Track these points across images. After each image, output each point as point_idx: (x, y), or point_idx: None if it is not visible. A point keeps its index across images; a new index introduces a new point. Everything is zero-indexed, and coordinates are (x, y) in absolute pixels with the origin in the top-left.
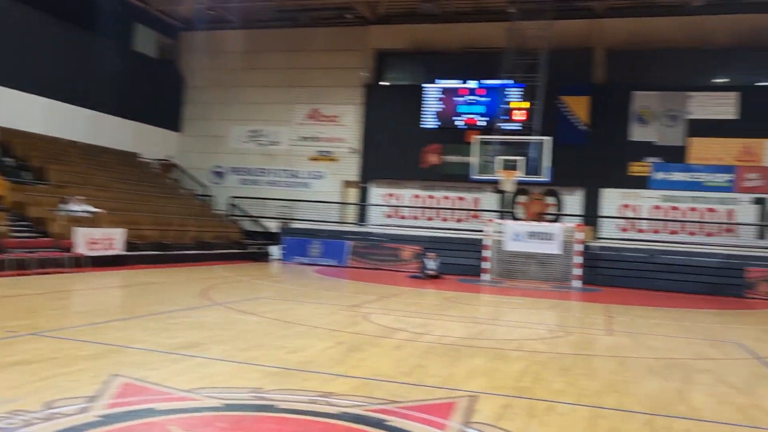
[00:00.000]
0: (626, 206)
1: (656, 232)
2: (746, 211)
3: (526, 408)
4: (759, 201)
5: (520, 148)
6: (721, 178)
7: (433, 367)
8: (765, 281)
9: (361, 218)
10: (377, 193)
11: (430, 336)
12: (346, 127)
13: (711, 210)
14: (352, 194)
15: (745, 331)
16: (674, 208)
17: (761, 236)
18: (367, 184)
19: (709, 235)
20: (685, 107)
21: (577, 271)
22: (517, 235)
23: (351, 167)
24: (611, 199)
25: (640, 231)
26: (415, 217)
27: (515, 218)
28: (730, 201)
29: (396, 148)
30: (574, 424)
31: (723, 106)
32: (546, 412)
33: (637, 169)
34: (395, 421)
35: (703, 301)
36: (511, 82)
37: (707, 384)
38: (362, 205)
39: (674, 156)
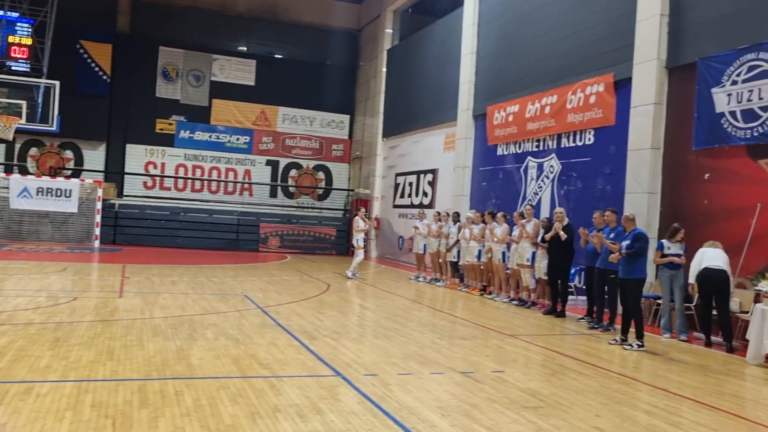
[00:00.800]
0: (152, 163)
1: (181, 190)
2: (261, 171)
3: None
4: (271, 163)
5: (25, 92)
6: (241, 140)
7: None
8: (274, 236)
9: None
10: None
11: None
12: None
13: (231, 170)
14: None
15: (253, 283)
16: (198, 167)
17: (273, 195)
18: None
19: (229, 193)
20: (209, 69)
21: (98, 231)
22: (25, 192)
23: None
24: (137, 156)
25: (166, 189)
26: None
27: (25, 173)
28: (248, 162)
29: None
30: (52, 405)
31: (243, 72)
32: (21, 396)
33: (163, 126)
34: None
35: (222, 256)
36: (17, 14)
37: (209, 339)
38: None
39: (199, 116)
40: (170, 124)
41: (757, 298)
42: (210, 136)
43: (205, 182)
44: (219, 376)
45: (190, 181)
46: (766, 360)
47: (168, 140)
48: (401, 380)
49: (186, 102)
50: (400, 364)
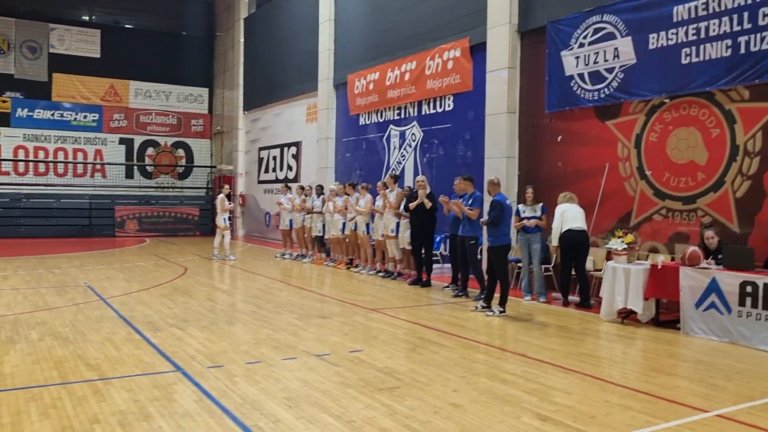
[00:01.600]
0: None
1: (22, 174)
2: (114, 151)
3: None
4: (125, 141)
5: None
6: (89, 118)
7: None
8: (132, 219)
9: None
10: None
11: None
12: None
13: (80, 150)
14: None
15: (100, 272)
16: (41, 149)
17: (129, 176)
18: None
19: (78, 176)
20: (46, 40)
21: None
22: None
23: None
24: None
25: (4, 173)
26: None
27: None
28: (98, 141)
29: None
30: None
31: (86, 43)
32: None
33: None
34: None
35: (72, 244)
36: None
37: (32, 341)
38: None
39: (38, 92)
40: (4, 101)
41: (609, 256)
42: (53, 114)
43: (51, 165)
44: (33, 386)
45: (32, 164)
46: (618, 316)
47: (3, 120)
48: (249, 370)
49: (21, 77)
50: (250, 352)
